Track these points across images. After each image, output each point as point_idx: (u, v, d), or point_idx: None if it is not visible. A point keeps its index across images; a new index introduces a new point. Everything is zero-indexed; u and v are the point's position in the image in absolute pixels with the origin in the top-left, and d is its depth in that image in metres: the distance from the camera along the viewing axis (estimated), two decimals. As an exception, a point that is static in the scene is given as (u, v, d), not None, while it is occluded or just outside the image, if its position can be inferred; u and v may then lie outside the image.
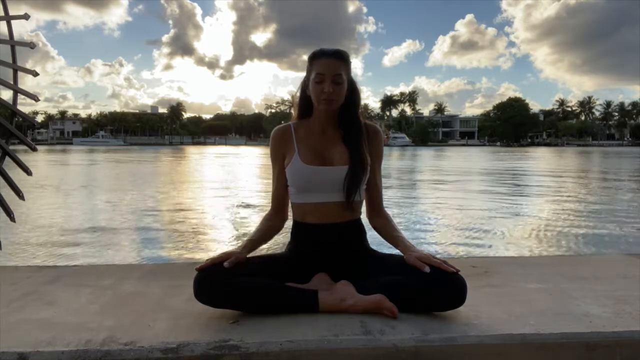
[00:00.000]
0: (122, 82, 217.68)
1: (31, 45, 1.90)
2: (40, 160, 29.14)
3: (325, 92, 1.59)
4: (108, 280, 1.89)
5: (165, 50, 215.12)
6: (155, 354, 1.25)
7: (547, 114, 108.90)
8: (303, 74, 1.70)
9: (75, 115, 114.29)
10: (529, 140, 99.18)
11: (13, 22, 1.84)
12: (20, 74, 1.86)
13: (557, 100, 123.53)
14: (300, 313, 1.47)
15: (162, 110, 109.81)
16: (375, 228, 1.73)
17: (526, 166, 26.39)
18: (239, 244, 1.64)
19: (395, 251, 1.64)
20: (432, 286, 1.46)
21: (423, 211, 9.76)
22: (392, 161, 30.36)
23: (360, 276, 1.59)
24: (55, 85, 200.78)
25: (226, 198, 11.56)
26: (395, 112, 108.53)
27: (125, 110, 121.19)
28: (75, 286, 1.81)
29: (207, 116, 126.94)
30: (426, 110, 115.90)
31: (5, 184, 1.79)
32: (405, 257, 1.55)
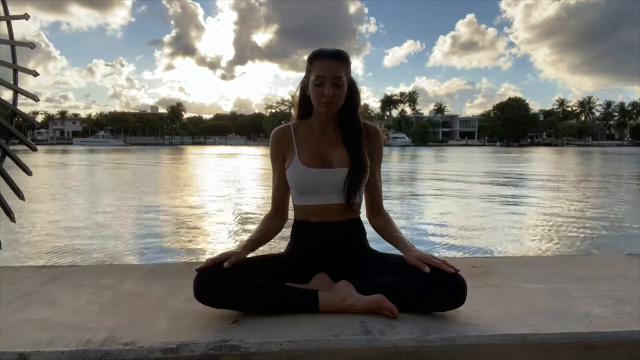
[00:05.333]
0: (123, 82, 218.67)
1: (31, 45, 1.90)
2: (41, 160, 29.09)
3: (325, 95, 1.59)
4: (108, 280, 1.88)
5: (167, 50, 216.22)
6: (155, 354, 1.25)
7: (547, 114, 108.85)
8: (304, 75, 1.69)
9: (76, 115, 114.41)
10: (529, 140, 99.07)
11: (15, 22, 1.84)
12: (20, 74, 1.86)
13: (557, 100, 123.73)
14: (300, 313, 1.47)
15: (163, 110, 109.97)
16: (375, 228, 1.73)
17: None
18: (238, 244, 1.64)
19: (395, 251, 1.64)
20: (432, 286, 1.46)
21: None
22: (392, 163, 29.91)
23: (360, 276, 1.59)
24: (56, 86, 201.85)
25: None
26: (395, 112, 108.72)
27: (126, 110, 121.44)
28: (75, 286, 1.81)
29: (207, 116, 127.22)
30: (426, 110, 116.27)
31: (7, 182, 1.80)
32: (405, 257, 1.55)
